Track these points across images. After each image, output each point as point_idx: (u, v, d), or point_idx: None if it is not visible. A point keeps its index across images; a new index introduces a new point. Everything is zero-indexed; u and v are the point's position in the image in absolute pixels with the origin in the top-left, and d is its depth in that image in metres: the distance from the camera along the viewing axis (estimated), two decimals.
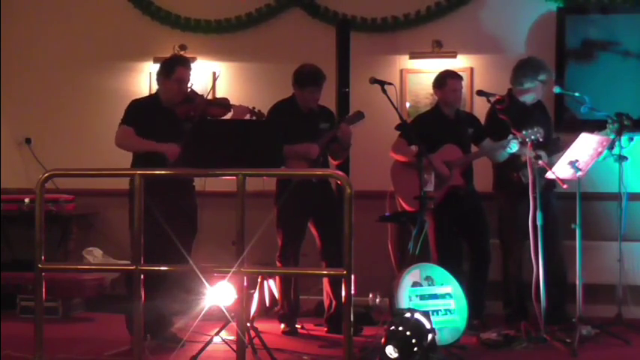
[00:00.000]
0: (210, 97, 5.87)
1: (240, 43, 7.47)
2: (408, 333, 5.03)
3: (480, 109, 6.60)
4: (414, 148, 5.89)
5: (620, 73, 6.94)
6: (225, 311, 5.15)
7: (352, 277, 3.54)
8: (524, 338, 5.64)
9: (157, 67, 5.96)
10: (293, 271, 6.11)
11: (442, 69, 6.59)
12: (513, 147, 6.00)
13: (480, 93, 6.13)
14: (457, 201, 6.24)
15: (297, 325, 6.23)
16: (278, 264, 6.13)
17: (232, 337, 5.21)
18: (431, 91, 6.66)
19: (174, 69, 5.73)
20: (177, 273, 5.17)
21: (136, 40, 7.53)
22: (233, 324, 4.91)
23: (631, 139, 6.43)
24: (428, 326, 5.13)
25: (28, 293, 6.73)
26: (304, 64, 6.25)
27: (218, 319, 5.39)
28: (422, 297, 5.51)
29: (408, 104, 7.16)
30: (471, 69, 7.12)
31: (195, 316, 5.38)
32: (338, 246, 5.54)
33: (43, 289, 3.81)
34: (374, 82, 5.92)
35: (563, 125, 6.81)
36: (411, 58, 7.20)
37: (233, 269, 3.66)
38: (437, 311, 5.47)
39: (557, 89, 6.50)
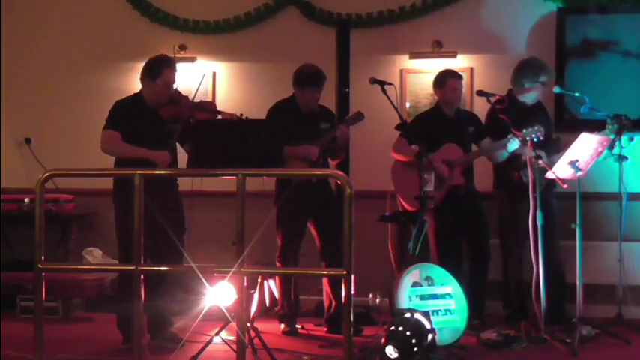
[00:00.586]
0: (196, 98, 5.76)
1: (240, 43, 7.47)
2: (408, 333, 5.03)
3: (480, 109, 6.60)
4: (414, 147, 5.88)
5: (620, 73, 6.94)
6: (225, 311, 5.15)
7: (352, 277, 3.53)
8: (524, 338, 5.64)
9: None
10: (293, 271, 6.11)
11: (442, 69, 6.59)
12: (513, 146, 6.00)
13: (480, 93, 6.13)
14: (457, 201, 6.24)
15: (297, 325, 6.23)
16: (277, 264, 6.13)
17: (232, 337, 5.21)
18: (431, 91, 6.66)
19: (160, 71, 5.65)
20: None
21: (136, 41, 7.53)
22: (233, 324, 4.91)
23: (631, 139, 6.43)
24: (428, 326, 5.13)
25: (28, 293, 6.73)
26: (305, 64, 6.24)
27: (218, 319, 5.39)
28: (422, 297, 5.51)
29: (408, 104, 7.16)
30: (471, 69, 7.12)
31: (195, 316, 5.38)
32: (338, 246, 5.56)
33: (43, 289, 3.80)
34: (374, 82, 5.92)
35: (563, 125, 6.81)
36: (411, 58, 7.20)
37: (233, 269, 3.66)
38: (437, 311, 5.47)
39: (557, 89, 6.51)
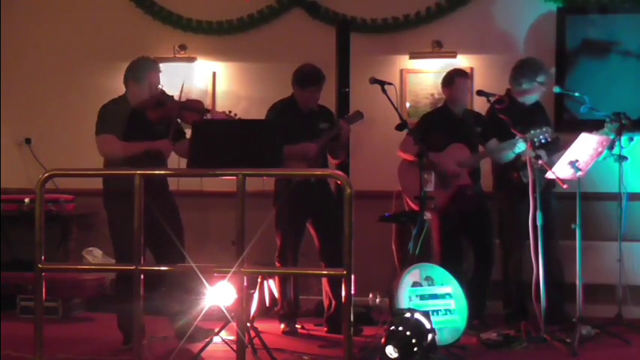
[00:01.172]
0: (183, 99, 5.74)
1: (241, 43, 7.47)
2: (408, 333, 5.03)
3: (480, 109, 6.59)
4: (420, 146, 5.89)
5: (620, 73, 6.94)
6: (225, 311, 5.15)
7: (352, 277, 3.53)
8: (524, 338, 5.64)
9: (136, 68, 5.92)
10: (293, 271, 6.11)
11: (442, 69, 6.59)
12: (521, 147, 5.95)
13: (480, 93, 6.13)
14: (464, 201, 6.22)
15: (297, 325, 6.23)
16: (277, 264, 6.13)
17: (232, 337, 5.21)
18: (431, 91, 6.67)
19: (145, 74, 5.63)
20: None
21: (137, 40, 7.52)
22: (233, 324, 4.91)
23: (631, 139, 6.43)
24: (428, 326, 5.12)
25: (28, 293, 6.73)
26: (304, 64, 6.26)
27: (218, 319, 5.38)
28: (422, 297, 5.50)
29: (408, 104, 7.16)
30: (471, 69, 7.11)
31: (195, 316, 5.38)
32: (337, 246, 5.57)
33: (43, 289, 3.80)
34: (374, 82, 5.92)
35: (563, 125, 6.81)
36: (411, 58, 7.20)
37: (233, 269, 3.66)
38: (437, 311, 5.47)
39: (557, 89, 6.51)
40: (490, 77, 6.99)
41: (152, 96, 5.63)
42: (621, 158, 6.19)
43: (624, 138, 6.23)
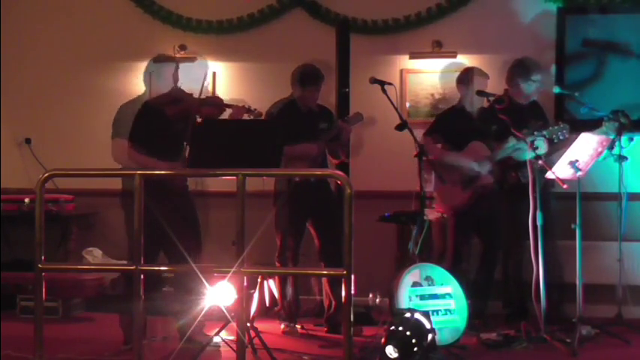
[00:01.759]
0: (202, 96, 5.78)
1: (241, 43, 7.47)
2: (408, 333, 5.03)
3: None
4: (440, 146, 5.87)
5: (620, 73, 6.94)
6: (225, 311, 5.15)
7: (352, 277, 3.53)
8: (524, 338, 5.64)
9: (156, 66, 5.95)
10: (293, 271, 6.11)
11: (442, 69, 6.59)
12: (540, 146, 5.87)
13: (480, 93, 6.13)
14: (483, 200, 6.20)
15: (297, 325, 6.23)
16: (277, 264, 6.13)
17: (232, 337, 5.21)
18: (431, 91, 6.67)
19: (164, 71, 5.74)
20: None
21: (136, 40, 7.53)
22: (233, 324, 4.91)
23: (631, 139, 6.43)
24: (428, 326, 5.13)
25: (28, 293, 6.73)
26: (304, 64, 6.28)
27: (218, 319, 5.39)
28: (422, 297, 5.51)
29: (408, 104, 7.16)
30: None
31: (195, 316, 5.38)
32: (337, 246, 5.57)
33: (43, 289, 3.80)
34: (374, 82, 5.93)
35: None
36: (411, 58, 7.20)
37: (233, 269, 3.66)
38: (437, 311, 5.47)
39: (557, 89, 6.51)
40: (490, 77, 6.98)
41: (170, 93, 5.66)
42: (621, 158, 6.19)
43: (624, 138, 6.23)
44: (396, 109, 5.87)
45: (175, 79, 5.74)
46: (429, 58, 7.17)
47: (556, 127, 5.81)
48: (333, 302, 6.13)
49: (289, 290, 6.24)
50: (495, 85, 6.56)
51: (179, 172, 5.53)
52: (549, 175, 5.77)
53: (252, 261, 3.95)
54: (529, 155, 5.74)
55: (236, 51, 7.46)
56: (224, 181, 4.28)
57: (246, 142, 4.70)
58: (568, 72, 6.98)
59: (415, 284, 5.53)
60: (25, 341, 4.25)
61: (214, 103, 5.76)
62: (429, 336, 5.11)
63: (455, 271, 5.81)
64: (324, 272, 5.98)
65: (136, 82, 7.48)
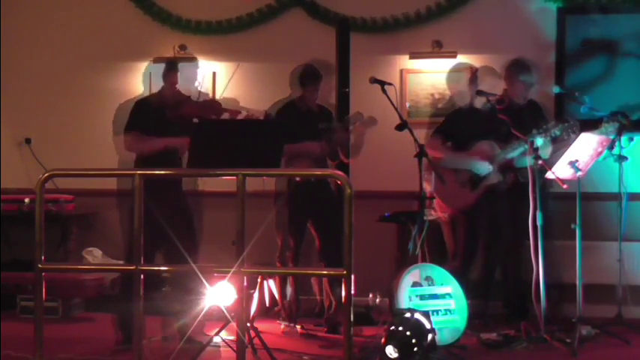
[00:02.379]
0: (200, 99, 5.82)
1: (241, 43, 7.46)
2: (408, 333, 5.03)
3: None
4: (449, 144, 5.90)
5: (621, 73, 6.94)
6: (225, 311, 5.15)
7: (352, 277, 3.54)
8: (524, 338, 5.64)
9: (155, 67, 5.96)
10: (293, 271, 6.11)
11: (442, 69, 6.59)
12: (542, 147, 5.84)
13: (480, 93, 6.13)
14: (494, 199, 6.20)
15: (297, 325, 6.23)
16: (278, 264, 6.13)
17: (232, 337, 5.21)
18: (431, 91, 6.66)
19: (165, 74, 5.78)
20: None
21: (136, 40, 7.52)
22: (233, 324, 4.91)
23: (631, 139, 6.43)
24: (428, 326, 5.13)
25: (28, 293, 6.73)
26: (304, 64, 6.32)
27: (218, 319, 5.38)
28: (422, 297, 5.51)
29: (408, 104, 7.16)
30: None
31: (195, 316, 5.38)
32: (337, 246, 5.57)
33: (43, 289, 3.80)
34: (374, 82, 5.92)
35: None
36: (411, 58, 7.19)
37: (233, 269, 3.66)
38: (437, 311, 5.47)
39: (557, 89, 6.51)
40: (490, 77, 6.98)
41: (171, 95, 5.70)
42: (621, 158, 6.19)
43: (624, 138, 6.23)
44: (396, 109, 5.87)
45: (176, 81, 5.76)
46: (429, 58, 7.16)
47: (566, 124, 5.80)
48: (334, 302, 6.13)
49: (289, 290, 6.25)
50: (495, 85, 6.55)
51: (179, 173, 5.54)
52: (549, 175, 5.77)
53: (252, 261, 3.95)
54: (529, 161, 5.71)
55: (236, 51, 7.45)
56: (224, 181, 4.28)
57: (246, 142, 4.70)
58: (568, 72, 6.98)
59: (415, 284, 5.53)
60: (25, 341, 4.25)
61: (212, 107, 5.78)
62: (429, 336, 5.11)
63: (464, 272, 5.83)
64: (324, 272, 5.98)
65: (135, 83, 7.49)
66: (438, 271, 5.62)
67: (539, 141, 5.86)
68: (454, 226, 6.25)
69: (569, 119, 5.94)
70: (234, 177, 3.72)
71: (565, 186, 5.68)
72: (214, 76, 7.47)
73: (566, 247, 6.16)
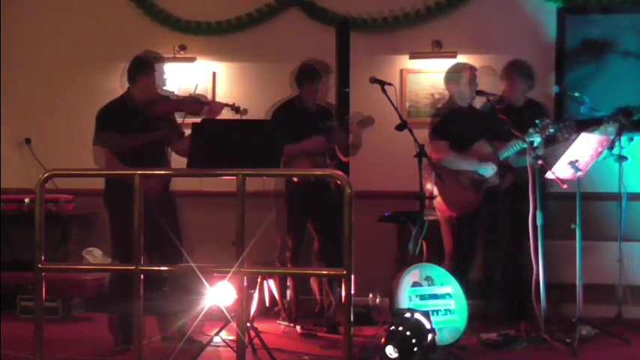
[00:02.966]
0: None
1: (240, 43, 7.46)
2: (408, 333, 5.03)
3: None
4: (445, 143, 5.93)
5: (620, 73, 6.94)
6: (225, 311, 5.15)
7: (352, 277, 3.54)
8: (524, 338, 5.64)
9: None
10: (293, 271, 6.11)
11: (442, 69, 6.58)
12: (537, 143, 5.86)
13: (480, 93, 6.13)
14: (493, 201, 6.20)
15: (297, 325, 6.23)
16: (278, 265, 6.13)
17: (232, 337, 5.21)
18: (431, 91, 6.67)
19: (150, 69, 5.66)
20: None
21: (136, 41, 7.50)
22: (233, 324, 4.91)
23: (631, 139, 6.43)
24: (428, 326, 5.13)
25: (28, 293, 6.73)
26: (304, 63, 6.34)
27: (218, 319, 5.38)
28: (422, 297, 5.51)
29: (408, 104, 7.16)
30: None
31: (195, 316, 5.38)
32: (337, 247, 5.56)
33: (43, 289, 3.80)
34: (374, 82, 5.92)
35: None
36: (411, 58, 7.19)
37: (233, 269, 3.66)
38: (437, 311, 5.47)
39: (557, 89, 6.51)
40: (490, 77, 6.98)
41: (154, 92, 5.65)
42: (621, 158, 6.20)
43: (624, 138, 6.23)
44: (396, 109, 5.87)
45: (153, 81, 5.68)
46: (429, 58, 7.16)
47: (561, 124, 5.81)
48: (333, 302, 6.13)
49: (289, 290, 6.25)
50: (495, 85, 6.57)
51: (179, 173, 5.54)
52: (549, 175, 5.77)
53: (252, 261, 3.95)
54: (529, 160, 5.69)
55: (235, 51, 7.46)
56: (224, 181, 4.28)
57: (246, 142, 4.70)
58: (568, 72, 6.98)
59: (415, 284, 5.53)
60: (25, 341, 4.25)
61: (195, 100, 5.74)
62: (429, 336, 5.11)
63: (463, 272, 5.84)
64: (324, 272, 5.98)
65: None
66: (438, 271, 5.62)
67: (535, 139, 5.86)
68: (452, 226, 6.25)
69: (566, 119, 5.93)
70: (234, 177, 3.72)
71: (565, 186, 5.68)
72: (214, 76, 7.48)
73: (566, 247, 6.16)
